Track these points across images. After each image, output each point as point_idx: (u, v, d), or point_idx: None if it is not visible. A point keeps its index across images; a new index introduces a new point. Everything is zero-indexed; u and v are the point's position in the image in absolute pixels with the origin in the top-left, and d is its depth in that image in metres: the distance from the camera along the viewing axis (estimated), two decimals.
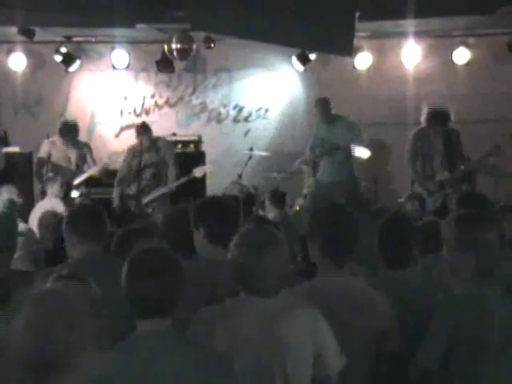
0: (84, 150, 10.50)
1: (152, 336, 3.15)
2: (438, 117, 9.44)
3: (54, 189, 9.94)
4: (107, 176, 10.50)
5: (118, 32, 11.00)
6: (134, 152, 9.97)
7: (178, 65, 11.73)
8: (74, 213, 5.05)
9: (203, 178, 10.58)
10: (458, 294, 3.92)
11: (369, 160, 11.05)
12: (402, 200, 9.12)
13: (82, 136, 10.97)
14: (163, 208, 9.66)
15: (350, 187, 9.78)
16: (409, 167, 9.76)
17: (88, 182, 10.42)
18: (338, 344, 3.54)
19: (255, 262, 3.45)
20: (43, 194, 10.00)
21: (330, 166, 10.05)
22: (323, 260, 3.98)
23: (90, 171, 10.30)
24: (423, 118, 9.59)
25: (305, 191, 10.76)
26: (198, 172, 10.01)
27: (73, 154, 10.39)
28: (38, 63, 12.06)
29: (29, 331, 2.41)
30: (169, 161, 10.00)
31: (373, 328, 3.85)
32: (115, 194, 9.99)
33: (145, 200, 9.82)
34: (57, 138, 10.44)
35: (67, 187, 10.04)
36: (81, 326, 2.43)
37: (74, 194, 10.13)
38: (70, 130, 10.33)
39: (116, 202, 9.93)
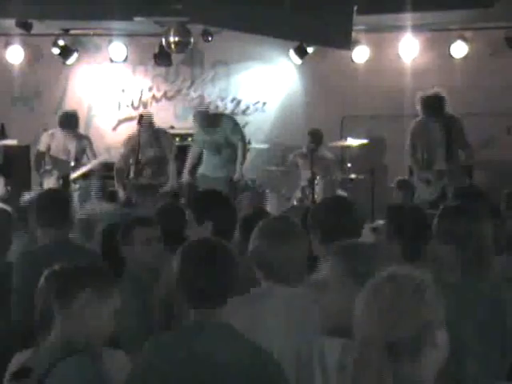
0: (84, 143, 10.45)
1: (205, 326, 3.17)
2: (432, 104, 9.40)
3: (49, 183, 9.95)
4: (107, 169, 10.50)
5: (116, 25, 11.00)
6: (132, 146, 9.78)
7: (176, 58, 11.74)
8: (39, 198, 5.29)
9: None
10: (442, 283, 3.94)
11: (365, 152, 11.11)
12: (393, 185, 9.15)
13: (80, 129, 10.94)
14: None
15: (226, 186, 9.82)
16: (409, 159, 9.77)
17: (86, 175, 10.41)
18: None
19: (277, 251, 3.54)
20: (41, 187, 10.01)
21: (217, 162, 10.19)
22: (323, 250, 3.99)
23: (88, 165, 10.27)
24: (418, 108, 9.57)
25: (302, 184, 10.77)
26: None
27: (72, 147, 10.35)
28: (35, 56, 12.04)
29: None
30: (169, 156, 9.94)
31: None
32: (118, 185, 9.89)
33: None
34: (56, 131, 10.39)
35: (66, 180, 10.03)
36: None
37: (73, 186, 10.13)
38: (70, 121, 10.29)
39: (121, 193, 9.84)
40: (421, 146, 9.60)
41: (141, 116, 9.88)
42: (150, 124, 9.81)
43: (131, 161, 9.78)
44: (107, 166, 10.44)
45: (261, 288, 3.62)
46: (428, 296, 2.30)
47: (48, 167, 10.19)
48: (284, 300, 3.52)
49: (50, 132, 10.51)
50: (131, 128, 10.28)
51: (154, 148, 9.83)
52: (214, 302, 3.21)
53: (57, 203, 5.09)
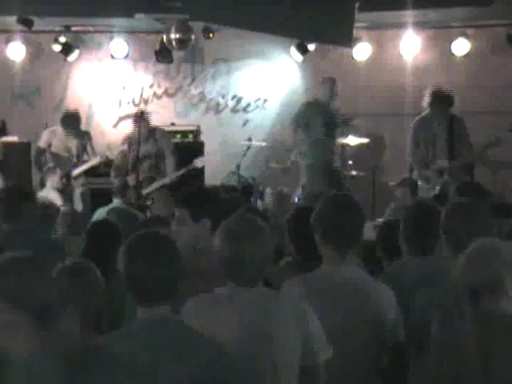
0: (84, 139, 10.46)
1: (154, 322, 3.14)
2: (443, 99, 9.43)
3: (53, 181, 9.95)
4: (108, 166, 10.49)
5: (117, 22, 10.99)
6: (130, 142, 9.90)
7: (177, 55, 11.72)
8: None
9: (202, 169, 10.57)
10: None
11: (366, 150, 11.09)
12: (394, 183, 9.15)
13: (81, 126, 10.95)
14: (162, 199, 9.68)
15: None
16: (409, 155, 9.77)
17: (87, 172, 10.41)
18: (335, 333, 3.57)
19: (235, 250, 3.49)
20: (42, 184, 10.02)
21: None
22: (325, 248, 3.99)
23: (90, 162, 10.26)
24: (426, 102, 9.57)
25: (303, 182, 10.76)
26: (198, 162, 9.99)
27: (73, 144, 10.36)
28: (36, 53, 12.02)
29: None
30: (167, 151, 9.97)
31: (376, 318, 3.86)
32: (116, 184, 9.89)
33: (144, 191, 9.75)
34: (57, 128, 10.41)
35: (67, 177, 10.04)
36: None
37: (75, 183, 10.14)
38: (72, 121, 10.31)
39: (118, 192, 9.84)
40: (423, 141, 9.61)
41: (141, 112, 9.90)
42: (147, 123, 9.85)
43: (130, 157, 9.82)
44: (108, 163, 10.45)
45: (224, 288, 3.59)
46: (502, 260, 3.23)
47: (51, 165, 10.19)
48: (244, 301, 3.50)
49: (51, 129, 10.52)
50: (129, 131, 10.28)
51: (149, 143, 9.87)
52: (162, 298, 3.17)
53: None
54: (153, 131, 9.95)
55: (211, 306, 3.53)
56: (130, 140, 9.93)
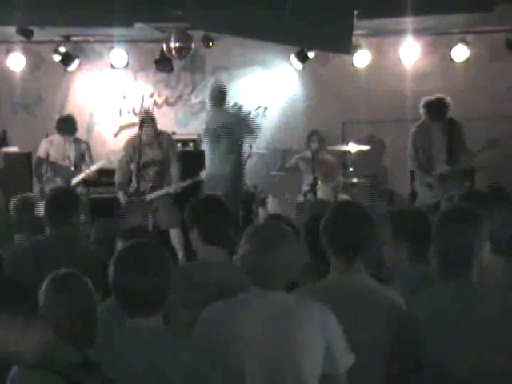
0: (83, 148, 10.47)
1: (143, 332, 3.14)
2: (436, 109, 9.44)
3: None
4: (105, 175, 10.50)
5: (117, 31, 10.99)
6: (133, 146, 9.66)
7: (177, 64, 11.73)
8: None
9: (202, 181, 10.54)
10: None
11: (367, 157, 11.09)
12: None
13: (81, 135, 10.95)
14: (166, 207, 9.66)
15: None
16: (410, 162, 9.77)
17: (86, 182, 10.41)
18: (347, 343, 3.55)
19: (265, 256, 3.49)
20: (42, 193, 10.01)
21: None
22: (332, 257, 3.98)
23: (86, 171, 10.24)
24: (422, 112, 9.60)
25: (304, 189, 10.77)
26: (204, 175, 9.93)
27: (72, 153, 10.36)
28: (36, 63, 12.04)
29: None
30: (172, 157, 9.83)
31: (386, 326, 3.82)
32: (120, 197, 9.82)
33: (148, 198, 9.70)
34: (55, 137, 10.43)
35: (67, 186, 10.03)
36: None
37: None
38: (67, 125, 10.31)
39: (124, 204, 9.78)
40: (422, 148, 9.61)
41: (145, 112, 9.87)
42: (153, 125, 9.76)
43: (132, 164, 9.74)
44: (104, 172, 10.47)
45: (248, 294, 3.58)
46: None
47: (50, 175, 10.19)
48: (269, 306, 3.49)
49: (48, 139, 10.53)
50: (133, 134, 10.24)
51: (154, 149, 9.74)
52: (151, 310, 3.18)
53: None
54: (158, 136, 9.80)
55: (233, 311, 3.51)
56: (133, 145, 9.73)
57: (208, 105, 10.28)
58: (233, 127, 9.85)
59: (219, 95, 9.98)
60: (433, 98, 9.48)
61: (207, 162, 9.99)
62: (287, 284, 3.60)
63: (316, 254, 4.62)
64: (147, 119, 9.68)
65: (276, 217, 5.63)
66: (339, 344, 3.50)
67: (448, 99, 9.44)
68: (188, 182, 9.77)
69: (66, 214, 5.41)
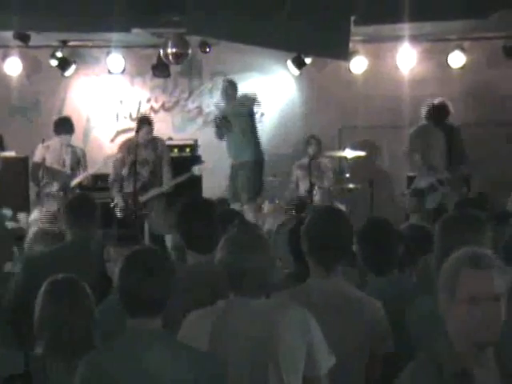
0: (78, 154, 10.49)
1: (143, 335, 3.20)
2: (438, 111, 9.46)
3: (52, 192, 9.97)
4: (102, 180, 10.52)
5: (114, 36, 11.00)
6: (128, 148, 9.82)
7: (174, 69, 11.74)
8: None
9: (199, 181, 10.56)
10: None
11: (364, 162, 11.09)
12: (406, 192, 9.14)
13: (78, 140, 10.97)
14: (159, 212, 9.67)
15: None
16: (408, 161, 9.77)
17: (82, 186, 10.41)
18: (328, 345, 3.57)
19: (241, 262, 3.51)
20: (39, 198, 10.02)
21: None
22: (311, 262, 4.01)
23: (82, 175, 10.28)
24: (423, 115, 9.60)
25: (300, 195, 10.77)
26: (196, 170, 9.99)
27: (67, 158, 10.37)
28: (33, 68, 12.04)
29: None
30: (165, 161, 9.97)
31: (364, 330, 3.87)
32: (115, 195, 9.88)
33: (142, 198, 9.71)
34: (51, 143, 10.44)
35: (64, 190, 10.04)
36: None
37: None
38: (64, 125, 10.34)
39: (119, 203, 9.83)
40: (419, 151, 9.62)
41: (139, 118, 9.92)
42: (150, 128, 9.84)
43: (125, 167, 9.78)
44: (101, 177, 10.49)
45: (226, 300, 3.60)
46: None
47: (47, 180, 10.19)
48: (248, 311, 3.51)
49: (45, 144, 10.54)
50: (129, 136, 10.27)
51: (148, 150, 9.86)
52: (152, 312, 3.24)
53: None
54: (154, 139, 9.97)
55: (213, 318, 3.53)
56: (128, 146, 9.86)
57: (221, 102, 10.41)
58: (240, 107, 10.15)
59: (232, 87, 10.29)
60: (435, 101, 9.50)
61: (227, 152, 10.26)
62: (265, 289, 3.62)
63: (300, 260, 4.62)
64: (144, 121, 9.81)
65: (244, 221, 5.61)
66: (320, 346, 3.53)
67: (450, 105, 9.48)
68: (180, 178, 9.82)
69: (87, 220, 5.47)
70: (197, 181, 10.44)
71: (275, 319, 3.49)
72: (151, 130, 9.91)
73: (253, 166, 10.02)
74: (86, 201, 5.71)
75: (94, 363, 3.22)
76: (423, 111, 9.59)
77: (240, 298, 3.55)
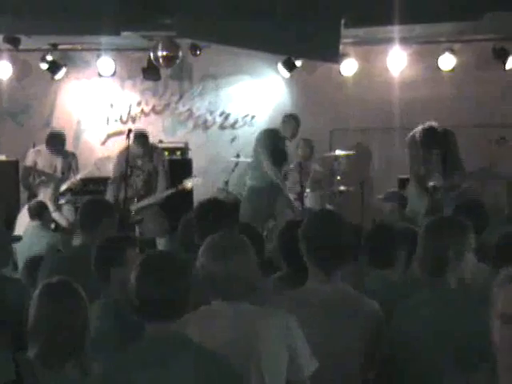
0: (69, 159, 10.48)
1: (162, 339, 3.18)
2: (432, 139, 9.43)
3: (45, 193, 9.94)
4: (92, 184, 10.51)
5: (104, 40, 10.97)
6: (125, 157, 9.72)
7: (164, 72, 11.73)
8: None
9: (191, 193, 10.53)
10: None
11: (355, 165, 11.11)
12: (381, 196, 9.15)
13: (69, 143, 10.94)
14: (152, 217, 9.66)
15: None
16: (410, 173, 9.79)
17: (73, 190, 10.39)
18: (325, 350, 3.57)
19: (220, 267, 3.49)
20: (30, 201, 9.99)
21: None
22: (310, 266, 3.99)
23: (72, 179, 10.25)
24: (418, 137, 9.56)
25: (292, 197, 10.76)
26: (188, 183, 9.94)
27: (59, 163, 10.37)
28: (23, 71, 12.02)
29: None
30: (160, 171, 9.91)
31: (362, 333, 3.86)
32: (108, 198, 9.85)
33: (134, 207, 9.70)
34: (42, 147, 10.43)
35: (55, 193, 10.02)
36: None
37: (61, 201, 10.11)
38: (57, 142, 10.33)
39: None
40: (415, 159, 9.62)
41: (135, 134, 9.79)
42: (145, 142, 9.77)
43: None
44: (91, 181, 10.47)
45: (208, 306, 3.59)
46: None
47: (44, 178, 10.16)
48: (230, 317, 3.50)
49: (36, 148, 10.54)
50: (120, 142, 10.21)
51: (145, 160, 9.79)
52: (170, 316, 3.22)
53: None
54: (150, 150, 9.88)
55: (197, 323, 3.51)
56: (125, 157, 9.74)
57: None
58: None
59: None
60: (425, 126, 9.42)
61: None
62: (250, 294, 3.60)
63: (291, 262, 4.61)
64: (140, 137, 9.66)
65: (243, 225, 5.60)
66: (302, 351, 3.53)
67: (437, 127, 9.43)
68: (170, 191, 9.78)
69: (92, 225, 5.45)
70: (188, 192, 10.38)
71: (257, 325, 3.49)
72: (146, 146, 9.77)
73: None
74: (91, 206, 5.69)
75: (111, 368, 3.23)
76: (416, 136, 9.51)
77: (222, 303, 3.54)
